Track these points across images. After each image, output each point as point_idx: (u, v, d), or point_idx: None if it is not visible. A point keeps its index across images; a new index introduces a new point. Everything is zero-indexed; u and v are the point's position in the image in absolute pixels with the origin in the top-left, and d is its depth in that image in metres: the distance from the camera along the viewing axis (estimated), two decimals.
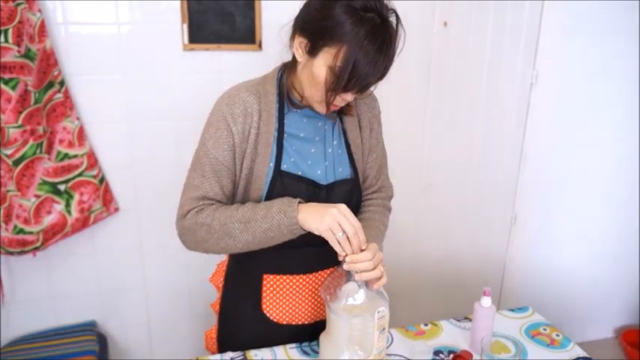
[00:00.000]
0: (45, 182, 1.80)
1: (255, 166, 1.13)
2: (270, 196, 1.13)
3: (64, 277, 2.01)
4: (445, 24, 2.16)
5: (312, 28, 1.01)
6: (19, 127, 1.68)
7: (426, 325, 1.38)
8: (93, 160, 1.88)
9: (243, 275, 1.26)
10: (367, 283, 1.08)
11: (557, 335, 1.35)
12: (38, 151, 1.75)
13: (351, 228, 1.02)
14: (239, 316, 1.27)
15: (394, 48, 1.01)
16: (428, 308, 2.57)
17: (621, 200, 2.62)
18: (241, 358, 1.22)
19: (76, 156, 1.84)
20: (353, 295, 1.07)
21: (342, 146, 1.21)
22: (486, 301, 1.24)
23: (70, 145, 1.83)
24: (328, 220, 1.02)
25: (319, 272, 1.23)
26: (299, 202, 1.07)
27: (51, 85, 1.76)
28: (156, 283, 2.14)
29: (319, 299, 1.24)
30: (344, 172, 1.21)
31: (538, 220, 2.55)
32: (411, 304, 2.52)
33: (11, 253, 1.80)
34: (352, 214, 1.04)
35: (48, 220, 1.82)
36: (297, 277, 1.21)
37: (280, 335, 1.25)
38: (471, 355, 1.20)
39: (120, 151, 1.95)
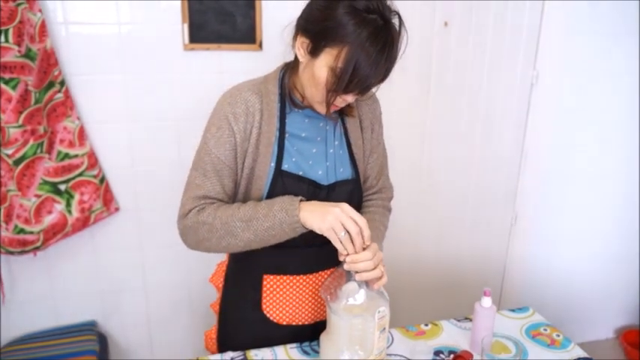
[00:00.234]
0: (45, 182, 1.80)
1: (257, 166, 1.13)
2: (270, 196, 1.13)
3: (65, 277, 2.02)
4: (446, 24, 2.16)
5: (314, 29, 1.01)
6: (19, 126, 1.68)
7: (426, 325, 1.38)
8: (93, 160, 1.88)
9: (244, 275, 1.26)
10: (368, 283, 1.08)
11: (558, 335, 1.35)
12: (39, 151, 1.75)
13: (354, 227, 1.02)
14: (239, 317, 1.27)
15: (396, 50, 1.00)
16: (428, 308, 2.57)
17: (622, 200, 2.62)
18: (242, 358, 1.22)
19: (76, 156, 1.84)
20: (353, 295, 1.07)
21: (343, 147, 1.21)
22: (487, 302, 1.24)
23: (71, 144, 1.83)
24: (330, 220, 1.01)
25: (319, 273, 1.23)
26: (300, 200, 1.07)
27: (51, 84, 1.76)
28: (156, 283, 2.14)
29: (319, 300, 1.24)
30: (345, 172, 1.21)
31: (538, 221, 2.55)
32: (412, 304, 2.52)
33: (12, 253, 1.80)
34: (355, 212, 1.03)
35: (48, 219, 1.82)
36: (298, 278, 1.21)
37: (280, 335, 1.25)
38: (472, 356, 1.20)
39: (120, 150, 1.95)
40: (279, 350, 1.24)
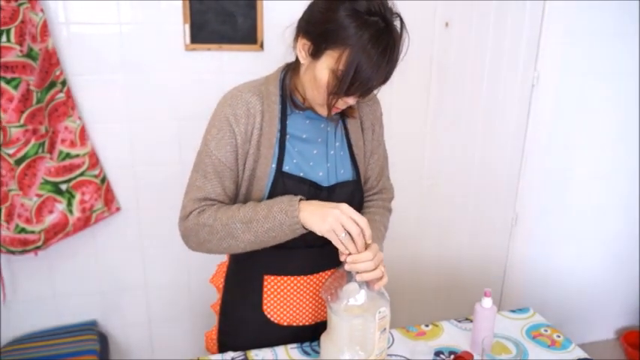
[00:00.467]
0: (47, 182, 1.80)
1: (258, 167, 1.13)
2: (271, 197, 1.13)
3: (66, 277, 2.02)
4: (446, 24, 2.16)
5: (315, 31, 1.01)
6: (21, 126, 1.69)
7: (426, 325, 1.38)
8: (94, 160, 1.89)
9: (244, 276, 1.26)
10: (368, 284, 1.08)
11: (558, 336, 1.35)
12: (40, 151, 1.76)
13: (355, 228, 1.02)
14: (239, 317, 1.27)
15: (398, 52, 1.00)
16: (429, 309, 2.57)
17: (622, 201, 2.62)
18: (242, 358, 1.22)
19: (77, 155, 1.85)
20: (354, 296, 1.07)
21: (344, 148, 1.21)
22: (487, 302, 1.24)
23: (72, 144, 1.83)
24: (330, 221, 1.01)
25: (320, 273, 1.23)
26: (300, 200, 1.06)
27: (53, 84, 1.76)
28: (157, 283, 2.15)
29: (320, 300, 1.24)
30: (346, 173, 1.20)
31: (539, 221, 2.55)
32: (412, 304, 2.52)
33: (13, 253, 1.80)
34: (355, 212, 1.03)
35: (50, 219, 1.82)
36: (298, 279, 1.21)
37: (281, 336, 1.25)
38: (472, 356, 1.20)
39: (121, 150, 1.95)
40: (280, 350, 1.24)
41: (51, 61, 1.74)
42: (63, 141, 1.82)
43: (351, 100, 1.05)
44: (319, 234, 1.03)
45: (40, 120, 1.73)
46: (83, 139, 1.85)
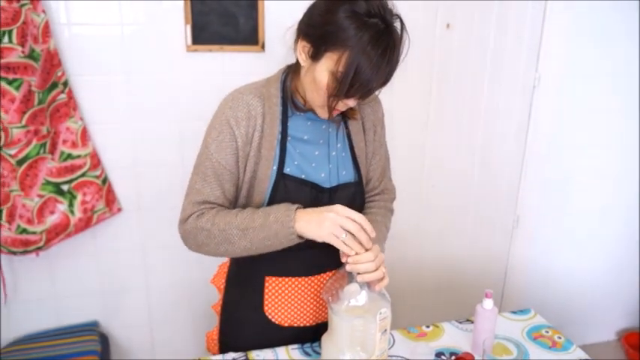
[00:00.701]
0: (48, 182, 1.80)
1: (259, 170, 1.13)
2: (272, 199, 1.13)
3: (67, 277, 2.02)
4: (448, 26, 2.16)
5: (315, 33, 1.00)
6: (22, 127, 1.69)
7: (427, 326, 1.38)
8: (96, 161, 1.89)
9: (245, 277, 1.26)
10: (369, 285, 1.08)
11: (559, 337, 1.35)
12: (42, 151, 1.76)
13: (354, 225, 1.02)
14: (241, 318, 1.27)
15: (398, 54, 0.99)
16: (429, 310, 2.57)
17: (623, 203, 2.61)
18: (243, 358, 1.22)
19: (79, 156, 1.85)
20: (355, 297, 1.07)
21: (346, 149, 1.21)
22: (488, 303, 1.24)
23: (74, 145, 1.83)
24: (328, 226, 1.01)
25: (321, 274, 1.23)
26: (297, 209, 1.06)
27: (55, 85, 1.76)
28: (158, 284, 2.15)
29: (321, 301, 1.24)
30: (347, 175, 1.20)
31: (540, 223, 2.55)
32: (413, 305, 2.52)
33: (14, 253, 1.80)
34: (350, 210, 1.03)
35: (51, 220, 1.83)
36: (300, 280, 1.21)
37: (282, 337, 1.25)
38: (473, 357, 1.20)
39: (123, 151, 1.95)
40: (281, 351, 1.24)
41: (52, 62, 1.74)
42: (64, 142, 1.82)
43: (351, 102, 1.05)
44: (320, 240, 1.03)
45: (42, 121, 1.73)
46: (84, 140, 1.86)
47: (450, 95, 2.27)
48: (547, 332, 1.37)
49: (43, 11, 1.69)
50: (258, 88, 1.14)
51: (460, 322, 1.40)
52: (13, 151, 1.71)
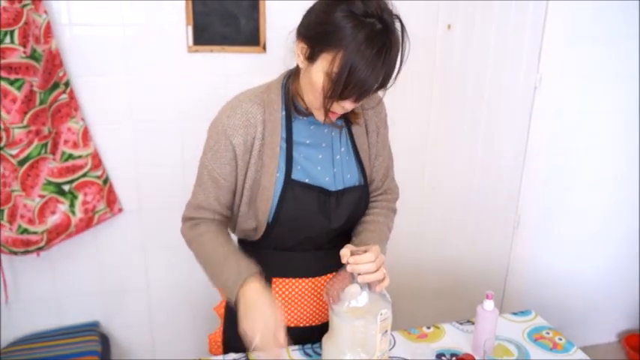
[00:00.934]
0: (49, 182, 1.81)
1: (262, 177, 1.12)
2: (281, 205, 1.13)
3: (68, 278, 2.02)
4: (449, 27, 2.16)
5: (311, 34, 0.99)
6: (24, 127, 1.69)
7: (428, 328, 1.38)
8: (97, 161, 1.89)
9: None
10: (370, 286, 1.08)
11: (560, 339, 1.35)
12: (43, 152, 1.76)
13: (267, 348, 1.03)
14: None
15: (395, 54, 0.97)
16: (430, 311, 2.56)
17: (625, 204, 2.61)
18: (244, 359, 1.22)
19: (80, 156, 1.85)
20: (356, 298, 1.07)
21: (349, 153, 1.20)
22: (489, 305, 1.24)
23: (75, 145, 1.84)
24: (249, 328, 1.03)
25: (327, 275, 1.23)
26: (247, 279, 1.07)
27: (56, 85, 1.77)
28: (159, 284, 2.15)
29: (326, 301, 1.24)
30: (352, 178, 1.20)
31: (541, 224, 2.54)
32: (414, 306, 2.52)
33: (15, 253, 1.80)
34: (280, 335, 1.03)
35: (52, 220, 1.83)
36: (306, 281, 1.22)
37: (288, 337, 1.25)
38: (474, 358, 1.20)
39: (124, 152, 1.96)
40: (281, 352, 1.24)
41: (54, 62, 1.74)
42: (66, 142, 1.82)
43: (348, 105, 1.03)
44: (239, 324, 1.05)
45: (43, 121, 1.73)
46: (86, 140, 1.86)
47: (450, 96, 2.27)
48: (548, 334, 1.37)
49: (45, 12, 1.69)
50: (259, 95, 1.13)
51: (461, 324, 1.40)
52: (14, 152, 1.71)
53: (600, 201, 2.57)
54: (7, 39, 1.60)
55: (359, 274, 1.05)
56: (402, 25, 0.99)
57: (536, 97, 2.36)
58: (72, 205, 1.85)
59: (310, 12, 1.02)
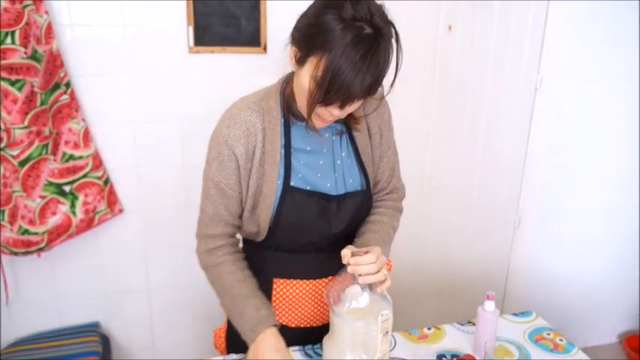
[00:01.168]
0: (50, 183, 1.81)
1: (264, 185, 1.12)
2: (280, 211, 1.12)
3: (68, 278, 2.02)
4: (450, 27, 2.16)
5: (300, 38, 0.98)
6: (25, 128, 1.69)
7: (429, 328, 1.38)
8: (98, 162, 1.89)
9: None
10: (371, 287, 1.08)
11: (561, 340, 1.35)
12: (44, 152, 1.76)
13: None
14: None
15: (383, 60, 0.93)
16: (431, 312, 2.56)
17: (625, 205, 2.61)
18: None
19: (81, 157, 1.85)
20: (356, 299, 1.07)
21: (351, 157, 1.19)
22: (490, 306, 1.24)
23: (76, 146, 1.84)
24: None
25: (329, 277, 1.23)
26: (262, 331, 1.10)
27: (57, 86, 1.77)
28: (159, 285, 2.15)
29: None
30: (354, 183, 1.19)
31: (542, 225, 2.54)
32: (415, 307, 2.52)
33: (16, 254, 1.80)
34: None
35: (53, 220, 1.83)
36: (307, 282, 1.22)
37: (289, 337, 1.24)
38: (474, 359, 1.20)
39: (125, 152, 1.96)
40: None
41: (55, 62, 1.75)
42: (66, 142, 1.82)
43: (335, 111, 0.99)
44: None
45: (44, 121, 1.74)
46: (87, 141, 1.86)
47: (451, 97, 2.27)
48: (549, 334, 1.37)
49: (46, 12, 1.69)
50: (257, 102, 1.12)
51: (461, 324, 1.40)
52: (15, 152, 1.71)
53: (601, 202, 2.57)
54: (8, 39, 1.60)
55: (360, 275, 1.05)
56: (396, 32, 0.97)
57: (536, 98, 2.36)
58: (72, 206, 1.86)
59: (302, 16, 1.01)
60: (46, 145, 1.76)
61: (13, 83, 1.64)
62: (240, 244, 1.28)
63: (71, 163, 1.84)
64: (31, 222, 1.79)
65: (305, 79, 0.98)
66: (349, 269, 1.04)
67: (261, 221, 1.15)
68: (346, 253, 1.05)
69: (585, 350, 1.33)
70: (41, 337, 1.98)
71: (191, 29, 1.88)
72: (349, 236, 1.23)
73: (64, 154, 1.82)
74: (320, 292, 1.23)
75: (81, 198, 1.87)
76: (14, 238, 1.78)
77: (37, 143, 1.73)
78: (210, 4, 1.87)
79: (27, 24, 1.62)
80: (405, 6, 2.02)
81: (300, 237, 1.18)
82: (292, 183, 1.12)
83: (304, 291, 1.22)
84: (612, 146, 2.49)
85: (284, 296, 1.22)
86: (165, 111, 1.96)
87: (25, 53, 1.63)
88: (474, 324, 1.37)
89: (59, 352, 1.88)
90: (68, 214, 1.85)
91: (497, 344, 1.29)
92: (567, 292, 2.67)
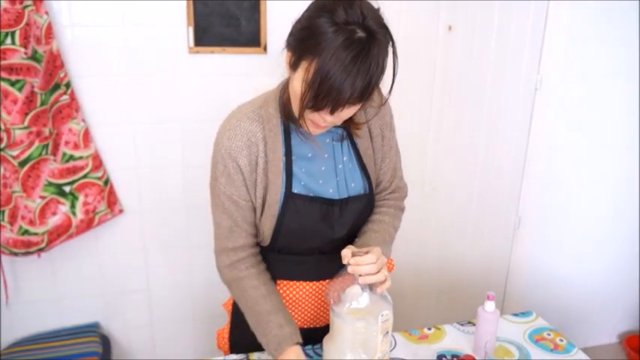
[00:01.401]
0: (50, 183, 1.81)
1: (268, 194, 1.11)
2: (282, 218, 1.12)
3: (68, 279, 2.02)
4: (450, 28, 2.16)
5: (293, 42, 0.97)
6: (25, 128, 1.69)
7: (429, 329, 1.38)
8: (98, 162, 1.89)
9: None
10: (371, 287, 1.08)
11: (561, 340, 1.35)
12: (44, 153, 1.76)
13: None
14: None
15: (375, 63, 0.91)
16: (431, 312, 2.56)
17: (625, 205, 2.61)
18: None
19: (81, 157, 1.85)
20: (357, 299, 1.07)
21: (352, 161, 1.19)
22: (490, 306, 1.24)
23: (76, 146, 1.84)
24: None
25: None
26: (285, 349, 1.10)
27: (57, 86, 1.77)
28: (159, 285, 2.15)
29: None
30: (357, 187, 1.19)
31: (542, 225, 2.54)
32: (415, 308, 2.52)
33: (16, 254, 1.80)
34: None
35: (53, 221, 1.83)
36: (311, 284, 1.22)
37: None
38: None
39: (125, 152, 1.96)
40: None
41: (55, 63, 1.75)
42: (67, 143, 1.82)
43: (328, 117, 0.97)
44: None
45: (44, 122, 1.74)
46: (87, 141, 1.86)
47: (451, 97, 2.27)
48: (549, 335, 1.37)
49: (46, 12, 1.69)
50: (256, 110, 1.11)
51: (462, 325, 1.40)
52: (15, 153, 1.71)
53: (601, 202, 2.57)
54: (8, 40, 1.60)
55: (360, 276, 1.05)
56: (391, 36, 0.95)
57: (536, 99, 2.36)
58: (73, 206, 1.86)
59: (297, 21, 1.00)
60: (46, 146, 1.76)
61: (13, 84, 1.64)
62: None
63: (71, 164, 1.84)
64: (31, 222, 1.79)
65: (297, 84, 0.96)
66: (349, 269, 1.04)
67: (265, 229, 1.15)
68: (346, 253, 1.05)
69: (585, 350, 1.33)
70: (41, 338, 1.98)
71: (191, 29, 1.88)
72: (353, 239, 1.23)
73: (64, 154, 1.82)
74: (322, 293, 1.23)
75: (81, 198, 1.87)
76: (14, 239, 1.78)
77: (37, 143, 1.73)
78: (210, 5, 1.87)
79: (27, 24, 1.62)
80: (405, 6, 2.02)
81: (304, 242, 1.18)
82: (294, 190, 1.12)
83: (307, 292, 1.22)
84: (612, 147, 2.49)
85: (287, 297, 1.22)
86: (165, 111, 1.96)
87: (25, 54, 1.63)
88: (474, 324, 1.37)
89: (59, 353, 1.88)
90: (68, 215, 1.85)
91: (497, 344, 1.29)
92: (567, 293, 2.67)
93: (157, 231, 2.07)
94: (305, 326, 1.25)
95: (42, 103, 1.72)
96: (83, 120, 1.85)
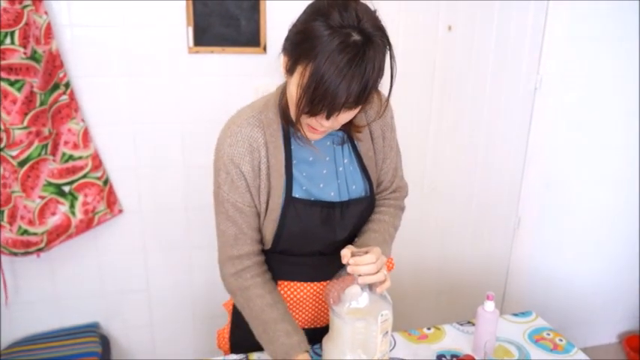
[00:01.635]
0: (50, 183, 1.80)
1: (271, 199, 1.11)
2: (283, 223, 1.12)
3: (68, 279, 2.02)
4: (449, 28, 2.16)
5: (289, 46, 0.97)
6: (24, 128, 1.69)
7: (429, 329, 1.38)
8: (97, 162, 1.89)
9: None
10: (371, 287, 1.07)
11: (561, 340, 1.34)
12: (43, 153, 1.76)
13: None
14: None
15: (371, 67, 0.90)
16: (431, 312, 2.56)
17: (625, 205, 2.61)
18: None
19: (80, 157, 1.85)
20: (356, 299, 1.07)
21: (353, 163, 1.18)
22: (489, 306, 1.24)
23: (75, 146, 1.84)
24: None
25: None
26: (298, 354, 1.10)
27: (56, 86, 1.77)
28: (159, 285, 2.15)
29: None
30: (358, 189, 1.19)
31: (541, 225, 2.54)
32: (414, 307, 2.52)
33: (15, 254, 1.80)
34: None
35: (52, 221, 1.83)
36: (312, 285, 1.22)
37: None
38: None
39: (124, 153, 1.96)
40: None
41: (54, 63, 1.75)
42: (66, 143, 1.82)
43: (325, 122, 0.97)
44: None
45: (44, 122, 1.73)
46: (86, 141, 1.86)
47: (451, 97, 2.27)
48: (548, 335, 1.37)
49: (46, 12, 1.69)
50: (256, 116, 1.10)
51: (461, 325, 1.40)
52: (14, 153, 1.71)
53: (601, 202, 2.57)
54: (8, 40, 1.60)
55: (359, 276, 1.05)
56: (387, 40, 0.95)
57: (536, 99, 2.36)
58: (72, 206, 1.85)
59: (293, 25, 0.99)
60: (46, 146, 1.76)
61: (12, 83, 1.64)
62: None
63: (70, 164, 1.83)
64: (31, 222, 1.79)
65: (294, 89, 0.95)
66: (349, 269, 1.04)
67: (266, 233, 1.16)
68: (346, 253, 1.04)
69: (585, 350, 1.33)
70: (41, 338, 1.98)
71: (191, 29, 1.88)
72: (354, 240, 1.23)
73: (64, 154, 1.82)
74: (323, 294, 1.23)
75: (80, 198, 1.86)
76: (14, 239, 1.78)
77: (36, 143, 1.73)
78: (210, 5, 1.87)
79: (26, 24, 1.62)
80: (404, 6, 2.02)
81: (305, 245, 1.18)
82: (294, 194, 1.12)
83: (308, 293, 1.22)
84: (612, 147, 2.49)
85: (287, 298, 1.22)
86: (165, 111, 1.96)
87: (25, 53, 1.63)
88: (473, 324, 1.37)
89: (59, 353, 1.88)
90: (68, 215, 1.85)
91: (497, 344, 1.29)
92: (567, 293, 2.67)
93: (157, 231, 2.07)
94: (305, 326, 1.25)
95: (41, 103, 1.72)
96: (82, 120, 1.85)
